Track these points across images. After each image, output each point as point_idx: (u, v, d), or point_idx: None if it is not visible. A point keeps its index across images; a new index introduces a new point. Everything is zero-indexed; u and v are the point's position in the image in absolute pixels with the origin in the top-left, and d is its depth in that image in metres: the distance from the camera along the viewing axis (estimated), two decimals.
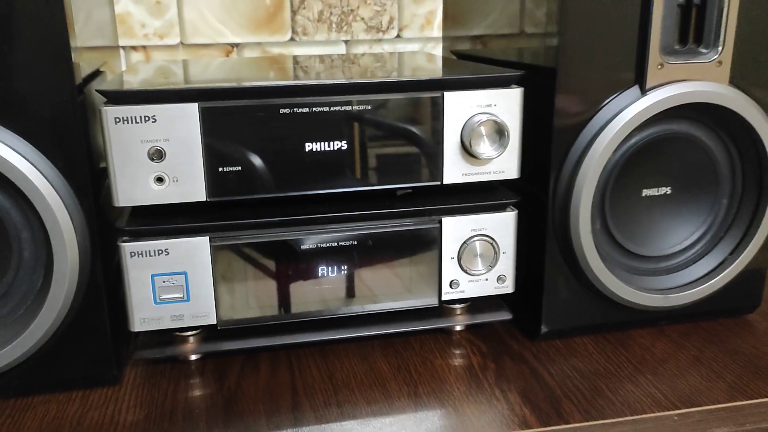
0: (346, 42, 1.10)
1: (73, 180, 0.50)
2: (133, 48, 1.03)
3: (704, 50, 0.56)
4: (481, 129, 0.54)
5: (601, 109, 0.56)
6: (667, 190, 0.60)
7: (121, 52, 1.01)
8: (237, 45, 1.06)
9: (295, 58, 0.85)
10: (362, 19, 1.10)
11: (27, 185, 0.48)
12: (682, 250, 0.62)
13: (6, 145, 0.48)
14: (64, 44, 0.47)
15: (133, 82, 0.55)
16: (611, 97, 0.56)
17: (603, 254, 0.59)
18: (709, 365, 0.58)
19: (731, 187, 0.61)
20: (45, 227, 0.49)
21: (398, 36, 1.11)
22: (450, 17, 0.83)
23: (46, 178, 0.49)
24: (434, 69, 0.64)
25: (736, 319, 0.66)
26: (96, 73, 0.64)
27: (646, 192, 0.60)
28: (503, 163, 0.56)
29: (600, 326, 0.62)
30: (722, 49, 0.55)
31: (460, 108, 0.54)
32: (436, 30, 1.06)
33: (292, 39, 1.05)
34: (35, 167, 0.48)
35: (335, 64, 0.69)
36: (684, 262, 0.62)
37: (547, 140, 0.56)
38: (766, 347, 0.61)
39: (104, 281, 0.53)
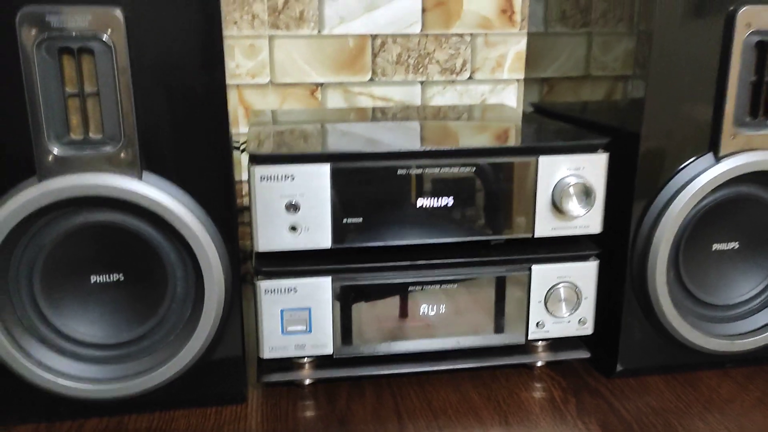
0: (421, 83, 1.15)
1: (222, 227, 0.59)
2: (227, 86, 1.11)
3: None
4: (571, 190, 0.62)
5: (678, 172, 0.63)
6: (736, 245, 0.67)
7: None
8: (321, 84, 1.11)
9: (393, 112, 0.92)
10: (437, 61, 1.15)
11: (187, 231, 0.57)
12: (748, 300, 0.68)
13: (170, 195, 0.57)
14: (224, 115, 0.56)
15: (265, 139, 0.64)
16: (688, 162, 0.63)
17: (676, 302, 0.66)
18: None
19: None
20: (198, 266, 0.58)
21: (470, 78, 1.16)
22: (530, 61, 0.90)
23: (202, 224, 0.57)
24: (527, 132, 0.72)
25: None
26: None
27: (716, 246, 0.67)
28: (588, 219, 0.63)
29: (670, 367, 0.69)
30: None
31: (552, 170, 0.62)
32: (506, 72, 1.11)
33: (371, 79, 1.11)
34: (193, 215, 0.57)
35: (434, 122, 0.77)
36: (750, 311, 0.68)
37: (629, 199, 0.63)
38: None
39: (240, 315, 0.61)
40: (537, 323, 0.66)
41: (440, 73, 1.16)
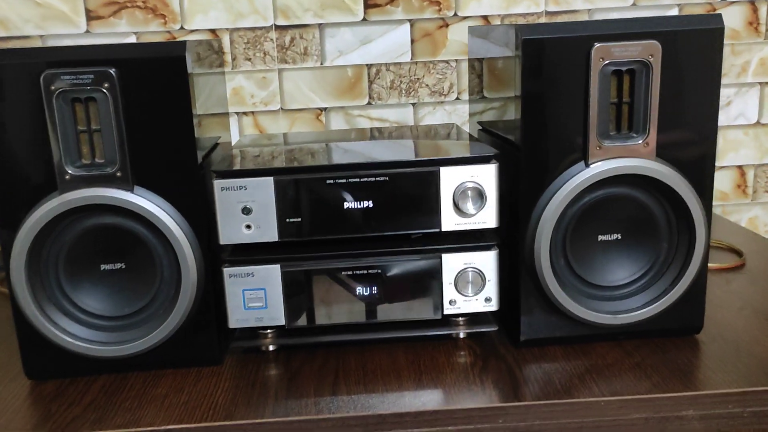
0: (413, 104, 1.31)
1: (196, 226, 0.78)
2: (244, 113, 1.29)
3: (634, 135, 0.76)
4: (467, 192, 0.78)
5: (557, 177, 0.77)
6: (618, 236, 0.81)
7: (235, 117, 1.27)
8: (325, 109, 1.29)
9: (347, 132, 1.09)
10: (427, 85, 1.30)
11: (167, 230, 0.76)
12: (632, 282, 0.82)
13: (155, 204, 0.76)
14: (192, 142, 0.75)
15: (236, 157, 0.83)
16: (566, 170, 0.77)
17: (566, 284, 0.80)
18: (644, 370, 0.77)
19: (668, 234, 0.80)
20: (177, 257, 0.77)
21: (457, 98, 1.31)
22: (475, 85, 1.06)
23: (178, 225, 0.77)
24: (442, 147, 0.88)
25: (685, 338, 0.84)
26: (215, 146, 0.93)
27: (601, 237, 0.81)
28: (484, 216, 0.79)
29: (569, 339, 0.83)
30: (648, 134, 0.76)
31: (452, 178, 0.78)
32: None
33: (369, 103, 1.26)
34: (171, 217, 0.76)
35: (379, 141, 0.94)
36: (633, 291, 0.82)
37: (518, 200, 0.78)
38: (696, 359, 0.79)
39: (213, 294, 0.80)
40: (450, 301, 0.81)
41: (430, 95, 1.31)
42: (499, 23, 1.27)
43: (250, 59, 1.25)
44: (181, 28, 1.23)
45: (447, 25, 1.27)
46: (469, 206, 0.78)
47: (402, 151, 0.89)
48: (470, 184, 0.77)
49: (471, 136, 0.95)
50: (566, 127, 0.76)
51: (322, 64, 1.23)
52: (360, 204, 0.78)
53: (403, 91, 1.31)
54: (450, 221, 0.79)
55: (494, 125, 0.91)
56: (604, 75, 0.75)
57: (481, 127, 1.02)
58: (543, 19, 1.30)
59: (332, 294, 0.80)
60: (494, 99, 0.90)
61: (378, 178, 0.77)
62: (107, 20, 1.24)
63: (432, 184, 0.78)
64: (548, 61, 0.74)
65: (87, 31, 1.24)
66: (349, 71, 1.25)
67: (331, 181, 0.77)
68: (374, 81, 1.26)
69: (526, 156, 0.77)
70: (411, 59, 1.25)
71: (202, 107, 0.81)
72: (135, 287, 0.79)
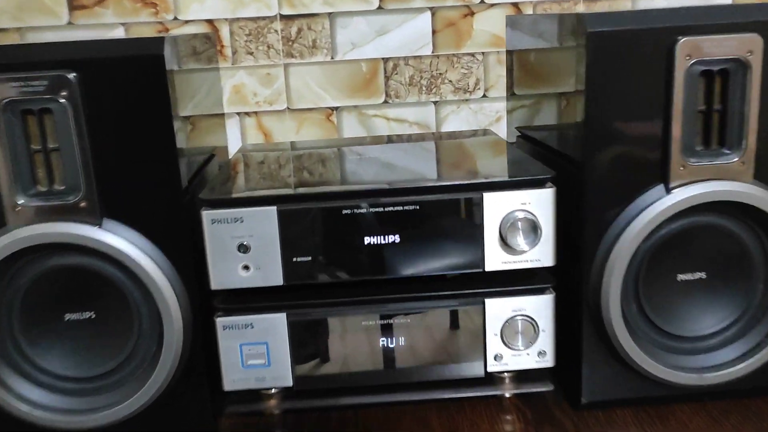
0: (435, 103, 1.15)
1: (180, 267, 0.63)
2: (247, 114, 1.15)
3: (727, 151, 0.61)
4: (518, 224, 0.62)
5: (629, 205, 0.62)
6: (702, 275, 0.65)
7: (236, 118, 1.13)
8: (336, 108, 1.13)
9: (363, 140, 0.94)
10: (450, 81, 1.15)
11: (142, 273, 0.61)
12: (719, 331, 0.66)
13: (127, 240, 0.61)
14: (175, 164, 0.60)
15: (230, 179, 0.67)
16: (639, 194, 0.62)
17: (638, 334, 0.65)
18: None
19: (766, 273, 0.65)
20: (158, 306, 0.62)
21: (484, 96, 1.15)
22: (514, 82, 0.90)
23: (159, 267, 0.62)
24: (483, 165, 0.73)
25: None
26: (209, 159, 0.78)
27: (681, 277, 0.65)
28: (538, 253, 0.63)
29: (640, 400, 0.68)
30: (745, 150, 0.60)
31: (498, 206, 0.62)
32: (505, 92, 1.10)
33: (385, 101, 1.12)
34: (150, 258, 0.61)
35: (402, 154, 0.78)
36: (721, 343, 0.66)
37: (581, 232, 0.63)
38: None
39: (204, 349, 0.65)
40: (495, 356, 0.66)
41: (453, 93, 1.16)
42: (530, 11, 1.12)
43: (252, 53, 1.11)
44: (175, 18, 1.10)
45: (472, 14, 1.12)
46: (520, 241, 0.62)
47: (433, 169, 0.74)
48: (521, 214, 0.62)
49: (515, 149, 0.79)
50: (642, 142, 0.61)
51: (332, 58, 1.12)
52: (384, 239, 0.63)
53: (424, 88, 1.15)
54: (495, 259, 0.64)
55: (540, 133, 0.75)
56: (690, 76, 0.59)
57: (520, 134, 0.87)
58: (581, 7, 1.14)
59: (350, 348, 0.65)
60: (541, 102, 0.75)
61: (406, 207, 0.62)
62: (92, 10, 1.10)
63: (474, 213, 0.63)
64: (620, 60, 0.59)
65: (69, 23, 1.11)
66: (363, 66, 1.13)
67: (349, 211, 0.62)
68: (391, 77, 1.13)
69: (592, 177, 0.61)
70: (432, 52, 1.13)
71: (192, 110, 0.66)
72: (108, 341, 0.65)
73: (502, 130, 1.08)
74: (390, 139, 0.93)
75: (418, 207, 0.62)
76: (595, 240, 0.63)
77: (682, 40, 0.58)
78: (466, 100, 1.17)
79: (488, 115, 1.16)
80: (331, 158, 0.80)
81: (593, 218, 0.62)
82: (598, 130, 0.60)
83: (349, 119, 1.15)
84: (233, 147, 1.07)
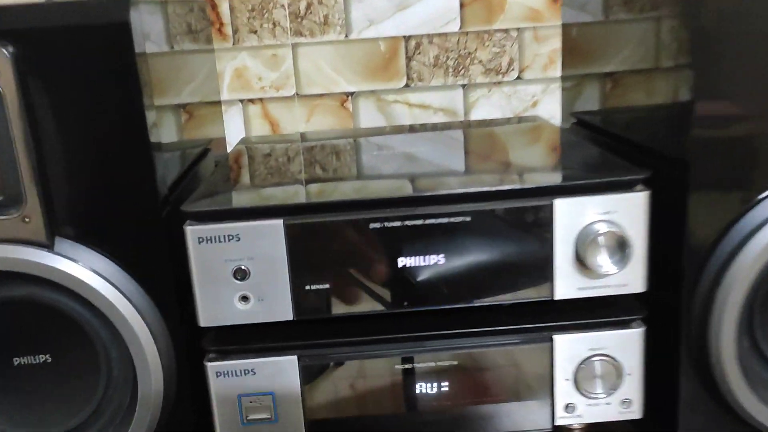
0: (463, 86, 1.05)
1: (158, 299, 0.49)
2: (251, 101, 1.06)
3: None
4: (599, 240, 0.47)
5: (749, 211, 0.47)
6: None
7: (239, 105, 1.03)
8: (352, 94, 1.04)
9: (386, 130, 0.82)
10: (480, 61, 1.05)
11: (109, 308, 0.47)
12: None
13: (88, 268, 0.47)
14: (150, 167, 0.46)
15: (226, 180, 0.53)
16: (762, 197, 0.47)
17: (751, 377, 0.50)
18: None
19: None
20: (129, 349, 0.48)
21: (519, 78, 1.06)
22: (572, 55, 0.76)
23: (128, 299, 0.48)
24: (547, 163, 0.58)
25: None
26: (202, 154, 0.64)
27: None
28: (626, 276, 0.49)
29: None
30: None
31: (574, 216, 0.48)
32: (560, 70, 1.01)
33: (407, 85, 1.03)
34: (117, 289, 0.48)
35: (432, 149, 0.64)
36: None
37: (680, 248, 0.48)
38: None
39: (191, 402, 0.51)
40: (566, 406, 0.52)
41: (484, 75, 1.06)
42: None
43: (255, 32, 1.01)
44: None
45: None
46: (603, 260, 0.48)
47: (482, 169, 0.59)
48: (604, 226, 0.47)
49: (582, 141, 0.65)
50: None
51: (347, 36, 1.02)
52: (424, 260, 0.48)
53: (451, 70, 1.04)
54: (569, 284, 0.49)
55: (610, 120, 0.61)
56: None
57: (577, 120, 0.72)
58: None
59: (381, 399, 0.51)
60: (611, 81, 0.60)
61: (453, 219, 0.47)
62: None
63: (541, 225, 0.48)
64: (738, 23, 0.43)
65: None
66: (381, 45, 1.02)
67: (379, 225, 0.47)
68: (413, 57, 1.02)
69: (699, 177, 0.46)
70: (460, 28, 1.03)
71: (189, 96, 0.55)
72: (69, 391, 0.51)
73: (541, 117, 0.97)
74: (413, 128, 0.78)
75: (468, 219, 0.48)
76: (701, 259, 0.48)
77: None
78: (499, 82, 1.05)
79: (523, 99, 1.05)
80: (350, 153, 0.66)
81: (699, 231, 0.47)
82: (709, 115, 0.45)
83: (366, 106, 1.04)
84: (235, 139, 0.97)
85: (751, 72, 0.45)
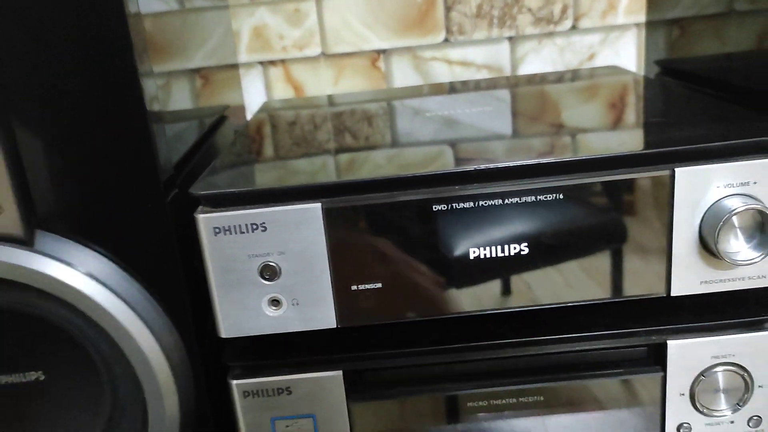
0: (509, 39, 0.97)
1: (168, 306, 0.40)
2: (271, 63, 1.00)
3: None
4: (734, 220, 0.37)
5: None
6: None
7: (259, 68, 0.97)
8: (384, 51, 0.99)
9: (432, 89, 0.72)
10: (529, 10, 0.97)
11: (106, 318, 0.38)
12: None
13: (76, 268, 0.38)
14: (147, 141, 0.36)
15: (243, 159, 0.44)
16: None
17: None
18: None
19: None
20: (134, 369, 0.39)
21: (573, 27, 0.98)
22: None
23: (130, 306, 0.39)
24: (649, 122, 0.47)
25: None
26: (218, 122, 0.55)
27: None
28: (766, 266, 0.38)
29: None
30: None
31: (699, 188, 0.37)
32: (622, 16, 0.93)
33: (446, 40, 0.96)
34: (114, 293, 0.39)
35: (495, 110, 0.54)
36: None
37: None
38: None
39: (214, 428, 0.42)
40: (679, 426, 0.42)
41: (533, 25, 0.97)
42: None
43: None
44: None
45: None
46: (738, 245, 0.37)
47: (566, 134, 0.48)
48: (740, 201, 0.36)
49: (690, 96, 0.54)
50: None
51: None
52: (503, 249, 0.38)
53: (495, 20, 0.96)
54: (690, 277, 0.39)
55: (710, 66, 0.50)
56: None
57: (660, 69, 0.61)
58: None
59: (451, 420, 0.41)
60: (713, 23, 0.49)
61: (540, 197, 0.37)
62: None
63: (656, 201, 0.37)
64: None
65: None
66: None
67: (444, 207, 0.37)
68: (453, 7, 0.94)
69: None
70: None
71: (203, 60, 0.48)
72: (67, 414, 0.43)
73: None
74: (465, 86, 0.68)
75: (561, 196, 0.37)
76: None
77: None
78: (550, 33, 0.97)
79: (578, 52, 0.96)
80: (393, 118, 0.56)
81: None
82: None
83: (400, 65, 0.96)
84: (255, 107, 0.90)
85: None
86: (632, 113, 0.50)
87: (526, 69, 0.91)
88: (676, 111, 0.48)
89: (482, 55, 0.96)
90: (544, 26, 0.97)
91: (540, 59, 0.97)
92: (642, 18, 0.84)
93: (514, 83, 0.69)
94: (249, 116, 0.85)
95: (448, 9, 0.94)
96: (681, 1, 0.59)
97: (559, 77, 0.69)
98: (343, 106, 0.64)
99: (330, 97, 0.75)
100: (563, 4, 0.95)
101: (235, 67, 0.82)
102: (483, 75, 0.92)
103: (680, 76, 0.58)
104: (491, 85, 0.72)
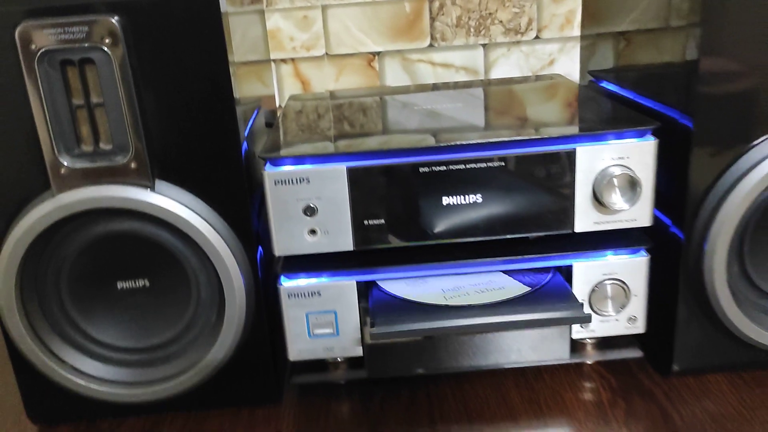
0: (484, 46, 1.08)
1: (240, 232, 0.57)
2: (283, 61, 1.08)
3: None
4: (614, 181, 0.56)
5: (741, 156, 0.55)
6: None
7: (272, 65, 1.06)
8: (378, 53, 1.07)
9: (418, 88, 0.87)
10: (500, 22, 1.08)
11: (200, 238, 0.56)
12: None
13: (182, 204, 0.55)
14: (233, 120, 0.54)
15: (289, 133, 0.61)
16: (754, 143, 0.55)
17: (739, 298, 0.59)
18: None
19: None
20: (217, 273, 0.57)
21: (537, 37, 1.08)
22: (590, 15, 0.83)
23: (217, 231, 0.56)
24: (567, 116, 0.66)
25: None
26: (256, 112, 0.71)
27: None
28: (635, 212, 0.57)
29: (736, 365, 0.63)
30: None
31: (593, 160, 0.56)
32: (576, 29, 1.03)
33: (431, 45, 1.06)
34: (208, 222, 0.56)
35: (466, 104, 0.72)
36: None
37: (683, 187, 0.57)
38: None
39: (267, 318, 0.60)
40: None
41: (504, 34, 1.09)
42: None
43: None
44: None
45: None
46: (616, 198, 0.56)
47: (511, 122, 0.67)
48: (618, 169, 0.56)
49: (598, 96, 0.72)
50: (763, 85, 0.53)
51: None
52: (465, 198, 0.57)
53: (472, 30, 1.09)
54: (587, 219, 0.58)
55: (625, 77, 0.68)
56: None
57: (594, 78, 0.79)
58: None
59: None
60: (624, 40, 0.67)
61: (491, 164, 0.56)
62: None
63: (565, 169, 0.56)
64: None
65: None
66: (406, 6, 1.06)
67: (427, 169, 0.56)
68: (437, 18, 1.06)
69: (702, 127, 0.54)
70: None
71: (235, 54, 0.60)
72: (164, 311, 0.60)
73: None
74: (445, 86, 0.86)
75: (503, 163, 0.56)
76: (700, 197, 0.57)
77: None
78: (517, 42, 1.09)
79: (541, 58, 1.09)
80: (393, 109, 0.74)
81: (699, 173, 0.56)
82: (712, 71, 0.53)
83: (391, 65, 1.09)
84: (276, 98, 1.01)
85: (751, 32, 0.53)
86: (558, 110, 0.69)
87: (498, 71, 1.02)
88: (586, 109, 0.67)
89: (461, 59, 1.06)
90: (512, 36, 1.07)
91: (509, 63, 1.08)
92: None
93: (485, 84, 0.87)
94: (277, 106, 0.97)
95: (432, 19, 1.03)
96: (607, 20, 0.76)
97: (517, 81, 0.86)
98: (351, 99, 0.81)
99: (335, 93, 0.90)
100: (529, 17, 1.06)
101: (266, 63, 0.96)
102: (461, 75, 1.03)
103: (603, 82, 0.77)
104: (466, 84, 0.88)
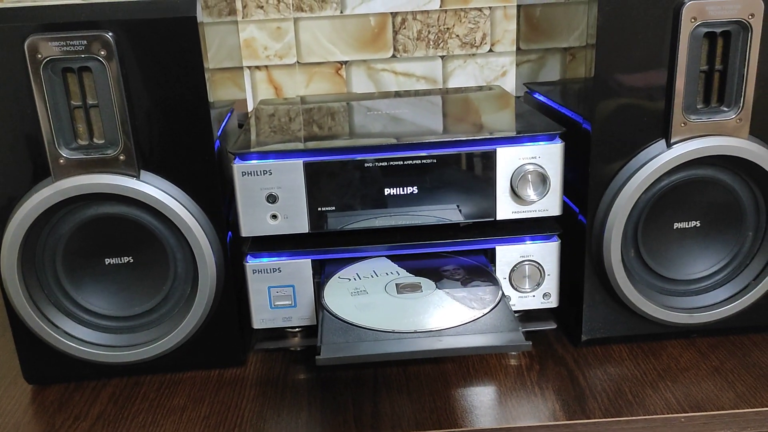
0: (442, 57, 1.17)
1: (213, 216, 0.67)
2: (257, 68, 1.16)
3: (726, 109, 0.65)
4: (528, 177, 0.67)
5: (632, 158, 0.66)
6: (697, 223, 0.70)
7: (247, 71, 1.15)
8: (345, 62, 1.15)
9: (376, 95, 0.97)
10: (457, 36, 1.16)
11: (179, 220, 0.65)
12: (710, 275, 0.72)
13: (163, 191, 0.65)
14: (206, 119, 0.64)
15: (256, 132, 0.71)
16: (641, 149, 0.66)
17: (635, 278, 0.70)
18: (725, 375, 0.68)
19: (756, 221, 0.70)
20: (192, 251, 0.67)
21: (491, 50, 1.17)
22: (523, 35, 0.93)
23: (193, 215, 0.66)
24: (494, 120, 0.77)
25: (765, 335, 0.75)
26: (230, 113, 0.81)
27: (677, 225, 0.70)
28: (546, 203, 0.68)
29: (635, 337, 0.73)
30: (742, 108, 0.64)
31: (510, 160, 0.67)
32: (515, 45, 1.12)
33: (393, 56, 1.13)
34: (185, 208, 0.65)
35: (417, 111, 0.82)
36: (711, 286, 0.72)
37: (586, 184, 0.67)
38: None
39: (234, 291, 0.70)
40: (503, 295, 0.71)
41: (460, 48, 1.17)
42: None
43: (262, 7, 1.12)
44: None
45: None
46: (530, 192, 0.67)
47: (447, 124, 0.78)
48: (531, 167, 0.66)
49: (523, 104, 0.83)
50: (647, 99, 0.65)
51: (342, 12, 1.13)
52: (403, 190, 0.67)
53: (431, 43, 1.17)
54: (506, 209, 0.68)
55: (547, 88, 0.79)
56: (694, 38, 0.63)
57: (528, 89, 0.90)
58: None
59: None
60: (548, 57, 0.78)
61: (425, 161, 0.66)
62: None
63: (487, 166, 0.67)
64: (630, 18, 0.62)
65: None
66: (371, 20, 1.13)
67: (371, 165, 0.66)
68: (399, 31, 1.14)
69: (598, 132, 0.65)
70: (440, 6, 1.14)
71: (212, 62, 0.69)
72: (145, 284, 0.69)
73: (507, 85, 1.10)
74: (398, 94, 0.96)
75: (435, 161, 0.67)
76: (599, 191, 0.67)
77: (688, 3, 0.61)
78: (473, 54, 1.17)
79: (494, 69, 1.17)
80: (348, 113, 0.84)
81: (598, 171, 0.67)
82: (605, 86, 0.64)
83: (357, 73, 1.15)
84: (248, 101, 1.09)
85: (638, 55, 0.64)
86: (490, 117, 0.80)
87: (455, 81, 1.11)
88: (511, 117, 0.78)
89: (421, 69, 1.14)
90: (468, 49, 1.16)
91: (465, 74, 1.17)
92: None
93: (442, 92, 0.97)
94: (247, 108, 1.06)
95: (395, 32, 1.11)
96: (543, 38, 0.86)
97: (464, 91, 0.97)
98: (319, 104, 0.91)
99: (303, 98, 1.00)
100: (483, 32, 1.15)
101: (239, 69, 1.05)
102: (421, 84, 1.11)
103: (534, 93, 0.88)
104: (424, 93, 0.98)
